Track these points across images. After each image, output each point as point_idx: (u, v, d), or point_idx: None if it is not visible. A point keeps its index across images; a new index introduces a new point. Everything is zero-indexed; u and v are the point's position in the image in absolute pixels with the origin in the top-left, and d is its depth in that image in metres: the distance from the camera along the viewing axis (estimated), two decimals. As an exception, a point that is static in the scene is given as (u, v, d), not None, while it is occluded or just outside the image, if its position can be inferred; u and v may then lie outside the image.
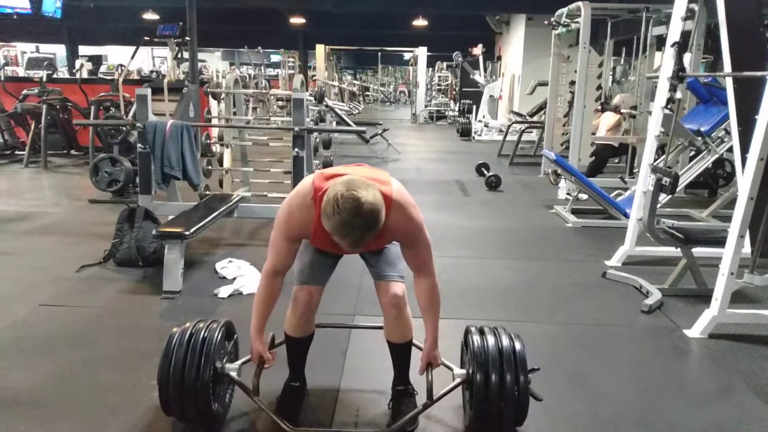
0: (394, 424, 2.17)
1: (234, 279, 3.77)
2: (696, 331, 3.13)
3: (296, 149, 4.44)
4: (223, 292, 3.56)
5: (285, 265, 2.12)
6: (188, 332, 2.16)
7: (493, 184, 7.11)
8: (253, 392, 2.18)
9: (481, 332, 2.23)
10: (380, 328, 2.30)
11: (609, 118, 7.35)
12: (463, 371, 2.24)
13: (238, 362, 2.30)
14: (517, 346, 2.15)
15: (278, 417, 2.14)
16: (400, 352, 2.29)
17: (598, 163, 7.32)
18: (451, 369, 2.29)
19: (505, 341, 2.16)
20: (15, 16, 8.60)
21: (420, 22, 17.14)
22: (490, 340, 2.17)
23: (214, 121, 6.23)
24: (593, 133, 7.55)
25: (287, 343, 2.31)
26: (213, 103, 7.39)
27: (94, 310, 3.31)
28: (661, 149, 4.69)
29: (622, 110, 7.21)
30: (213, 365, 2.12)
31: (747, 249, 3.17)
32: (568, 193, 6.20)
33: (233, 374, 2.22)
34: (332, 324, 2.82)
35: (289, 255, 2.10)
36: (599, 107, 7.71)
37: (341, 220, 1.75)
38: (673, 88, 3.82)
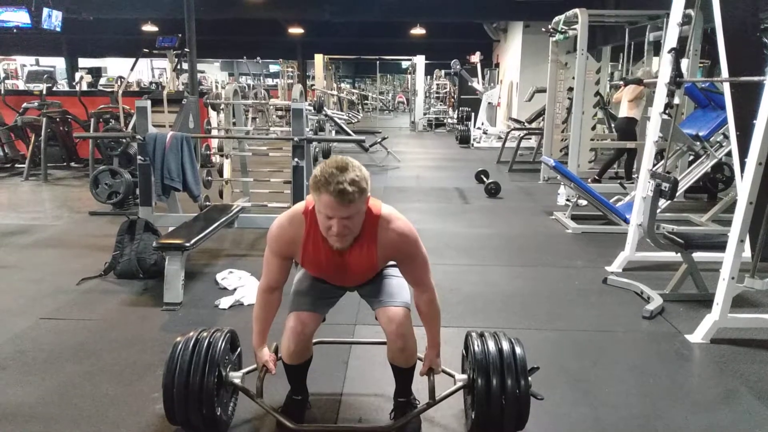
0: (397, 421, 2.18)
1: (235, 290, 3.77)
2: (698, 336, 3.13)
3: (296, 159, 4.45)
4: (224, 303, 3.56)
5: (279, 282, 2.13)
6: (193, 340, 2.18)
7: (493, 191, 7.11)
8: (256, 395, 2.20)
9: (482, 337, 2.23)
10: (383, 343, 2.27)
11: (631, 89, 7.33)
12: (465, 376, 2.25)
13: (243, 371, 2.32)
14: (518, 349, 2.15)
15: (282, 416, 2.15)
16: (403, 374, 2.27)
17: (624, 137, 7.43)
18: (452, 375, 2.29)
19: (506, 345, 2.16)
20: (15, 30, 8.63)
21: (418, 31, 17.22)
22: (491, 344, 2.17)
23: (214, 132, 6.25)
24: (614, 102, 7.69)
25: (285, 369, 2.27)
26: (212, 113, 7.41)
27: (95, 322, 3.31)
28: (660, 154, 4.70)
29: (646, 81, 7.18)
30: (217, 371, 2.14)
31: (747, 253, 3.16)
32: (567, 200, 6.20)
33: (237, 381, 2.24)
34: (333, 341, 2.81)
35: (281, 271, 2.11)
36: (622, 82, 7.68)
37: (329, 172, 1.80)
38: (671, 94, 3.84)
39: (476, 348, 2.17)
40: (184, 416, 2.11)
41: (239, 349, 2.39)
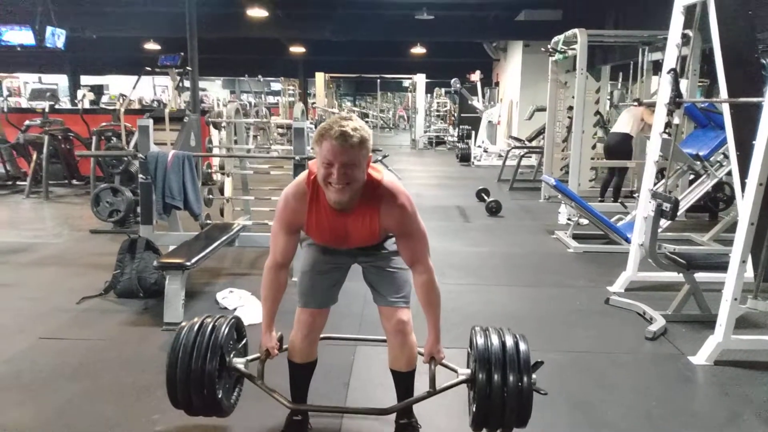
0: (394, 405, 2.22)
1: (235, 309, 3.75)
2: (701, 357, 3.11)
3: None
4: (225, 322, 3.54)
5: (286, 258, 2.14)
6: (198, 324, 2.22)
7: (494, 209, 7.11)
8: (257, 377, 2.23)
9: (485, 331, 2.22)
10: (384, 341, 2.28)
11: (650, 111, 6.39)
12: (468, 370, 2.23)
13: (246, 358, 2.35)
14: (521, 344, 2.13)
15: (279, 395, 2.19)
16: (404, 381, 2.27)
17: (618, 156, 7.08)
18: (455, 371, 2.28)
19: (509, 340, 2.14)
20: (19, 49, 8.70)
21: (418, 50, 17.33)
22: (494, 338, 2.15)
23: (215, 151, 6.26)
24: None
25: (290, 369, 2.32)
26: (214, 132, 7.44)
27: (95, 342, 3.29)
28: (660, 173, 4.71)
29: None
30: (220, 353, 2.16)
31: (750, 274, 3.15)
32: (568, 219, 6.20)
33: (240, 366, 2.27)
34: (337, 336, 2.85)
35: (288, 246, 2.12)
36: (636, 102, 7.11)
37: (333, 120, 1.87)
38: (670, 114, 3.86)
39: (479, 342, 2.15)
40: (186, 399, 2.13)
41: (245, 340, 2.42)
